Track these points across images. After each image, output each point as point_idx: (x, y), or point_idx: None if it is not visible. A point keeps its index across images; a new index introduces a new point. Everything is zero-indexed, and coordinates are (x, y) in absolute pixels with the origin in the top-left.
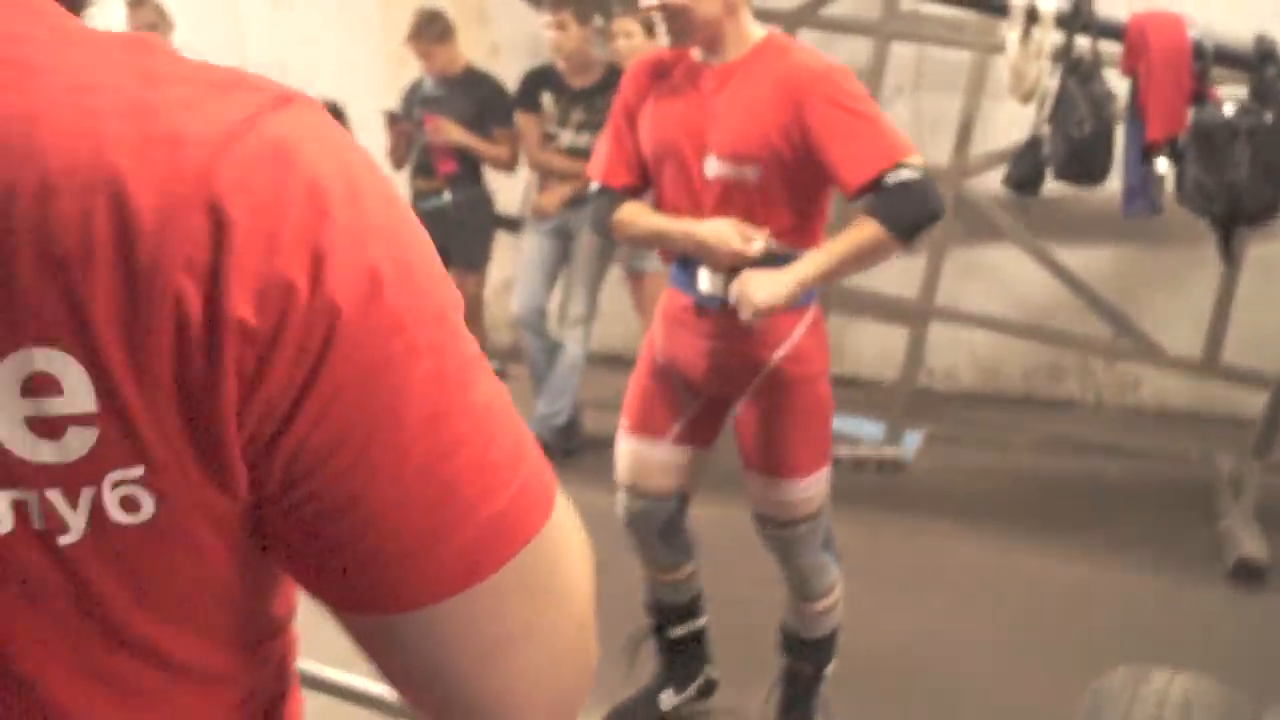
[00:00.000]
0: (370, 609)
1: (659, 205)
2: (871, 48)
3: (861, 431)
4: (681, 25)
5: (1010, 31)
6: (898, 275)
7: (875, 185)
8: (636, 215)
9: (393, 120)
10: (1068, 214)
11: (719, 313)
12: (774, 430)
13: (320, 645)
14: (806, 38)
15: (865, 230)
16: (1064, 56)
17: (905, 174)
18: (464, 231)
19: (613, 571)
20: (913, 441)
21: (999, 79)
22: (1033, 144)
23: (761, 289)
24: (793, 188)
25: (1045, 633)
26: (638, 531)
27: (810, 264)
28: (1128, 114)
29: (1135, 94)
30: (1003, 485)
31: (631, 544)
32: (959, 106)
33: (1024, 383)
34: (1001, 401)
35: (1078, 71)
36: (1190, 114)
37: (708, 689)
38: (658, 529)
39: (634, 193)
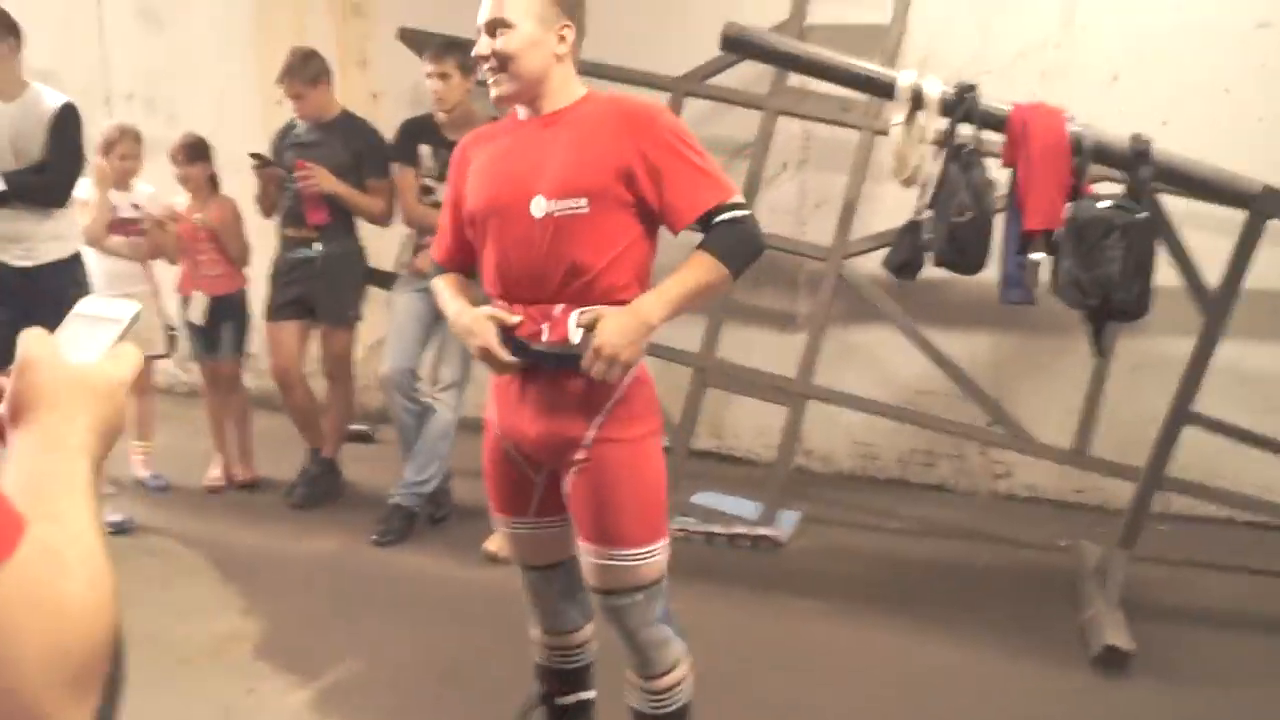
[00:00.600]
0: None
1: (486, 261)
2: (759, 121)
3: (738, 509)
4: (509, 75)
5: (895, 114)
6: (777, 354)
7: (705, 221)
8: (440, 289)
9: (262, 164)
10: (946, 299)
11: (542, 379)
12: (602, 501)
13: None
14: (695, 107)
15: (703, 265)
16: (947, 143)
17: (734, 212)
18: (333, 285)
19: (492, 639)
20: (789, 521)
21: (884, 161)
22: (912, 228)
23: (625, 346)
24: (620, 222)
25: (906, 714)
26: (539, 597)
27: (658, 302)
28: (1007, 203)
29: (1015, 185)
30: (874, 567)
31: (531, 608)
32: (843, 186)
33: (899, 466)
34: (876, 484)
35: (960, 159)
36: (1067, 208)
37: None
38: (558, 593)
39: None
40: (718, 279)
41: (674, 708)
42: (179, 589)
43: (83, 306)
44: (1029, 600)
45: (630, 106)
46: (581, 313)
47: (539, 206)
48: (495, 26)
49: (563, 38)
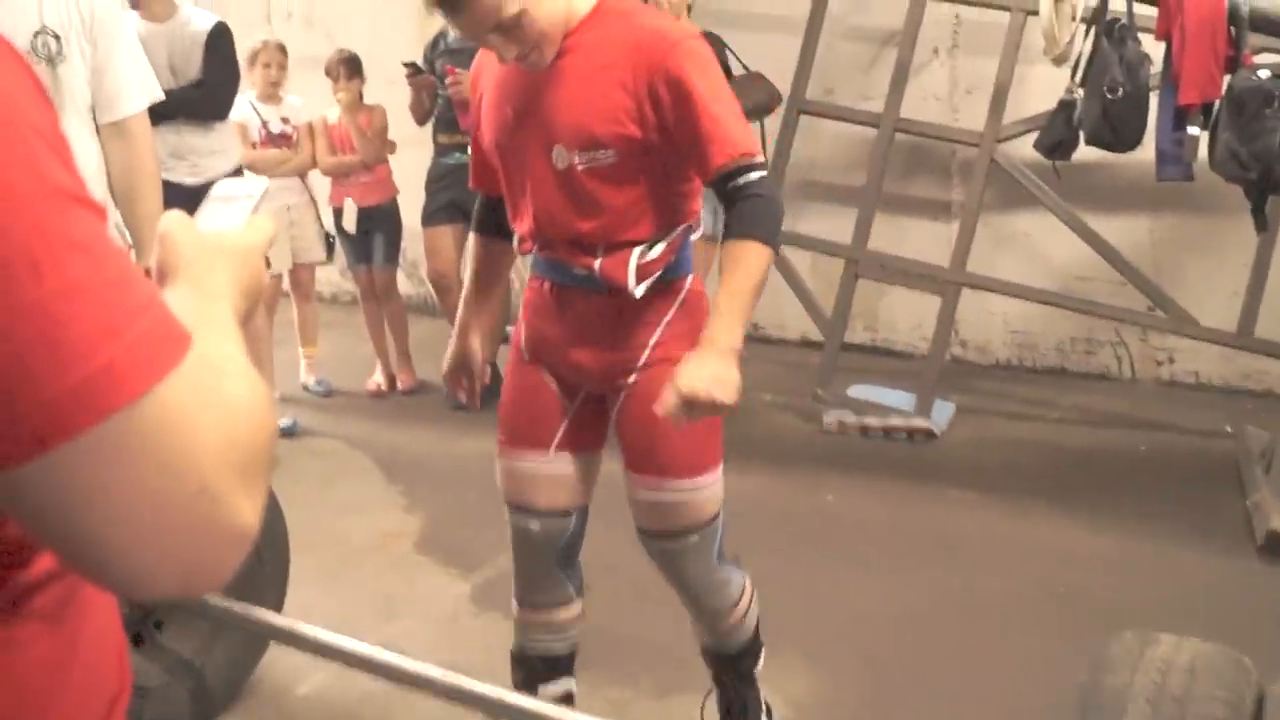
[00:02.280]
0: None
1: (509, 199)
2: (907, 7)
3: (893, 401)
4: (527, 42)
5: None
6: (930, 244)
7: (729, 180)
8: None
9: (415, 73)
10: (1101, 181)
11: (587, 296)
12: (658, 424)
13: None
14: None
15: (750, 254)
16: (1099, 19)
17: (748, 175)
18: None
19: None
20: (944, 412)
21: (1036, 43)
22: (1064, 107)
23: (718, 382)
24: (654, 164)
25: (1065, 602)
26: (531, 556)
27: (729, 324)
28: (1162, 79)
29: (1169, 58)
30: (1032, 457)
31: (518, 574)
32: (994, 69)
33: (1057, 355)
34: (1033, 373)
35: (1111, 34)
36: (1225, 80)
37: None
38: (558, 553)
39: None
40: (765, 264)
41: (744, 639)
42: (343, 488)
43: (217, 189)
44: (1193, 488)
45: (641, 36)
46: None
47: (560, 157)
48: (499, 28)
49: None
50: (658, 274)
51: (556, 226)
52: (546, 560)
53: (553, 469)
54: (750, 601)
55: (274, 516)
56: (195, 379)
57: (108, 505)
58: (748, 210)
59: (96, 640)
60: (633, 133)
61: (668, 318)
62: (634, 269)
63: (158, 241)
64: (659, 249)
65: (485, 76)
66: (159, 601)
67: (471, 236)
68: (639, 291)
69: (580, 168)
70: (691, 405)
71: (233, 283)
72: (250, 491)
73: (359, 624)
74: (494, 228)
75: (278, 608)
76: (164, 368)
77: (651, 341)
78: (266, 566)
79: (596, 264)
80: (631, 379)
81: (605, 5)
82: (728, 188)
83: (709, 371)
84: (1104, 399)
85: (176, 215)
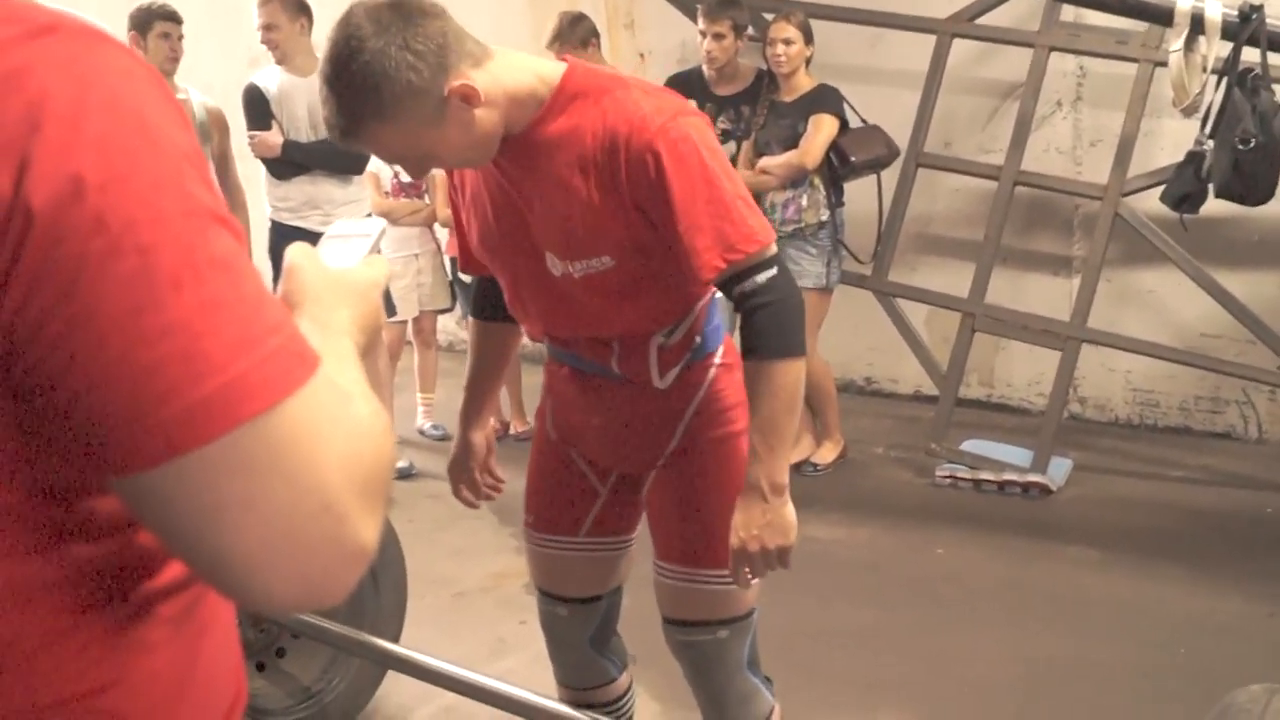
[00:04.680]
0: (102, 470)
1: (507, 294)
2: (1030, 59)
3: (1008, 457)
4: (447, 164)
5: (1174, 41)
6: (1050, 299)
7: (728, 287)
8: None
9: None
10: (1230, 235)
11: (609, 381)
12: (689, 507)
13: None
14: (963, 49)
15: (774, 378)
16: (1230, 69)
17: (763, 274)
18: None
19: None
20: (1061, 469)
21: (1163, 95)
22: (1193, 159)
23: (770, 529)
24: (656, 261)
25: (1187, 665)
26: (562, 641)
27: (769, 465)
28: None
29: None
30: (1151, 516)
31: (552, 657)
32: (1119, 122)
33: (1180, 414)
34: (1155, 431)
35: (1244, 84)
36: None
37: None
38: (589, 638)
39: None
40: (793, 379)
41: None
42: (457, 531)
43: (335, 229)
44: None
45: (616, 128)
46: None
47: (555, 265)
48: (401, 161)
49: (464, 95)
50: (683, 361)
51: (564, 327)
52: (578, 645)
53: (584, 555)
54: None
55: (394, 551)
56: (323, 398)
57: (234, 515)
58: (759, 325)
59: (217, 649)
60: (624, 239)
61: (699, 396)
62: (655, 361)
63: (285, 274)
64: (679, 333)
65: (466, 176)
66: (280, 616)
67: (470, 321)
68: (664, 384)
69: (578, 275)
70: (749, 559)
71: (354, 318)
72: (371, 511)
73: (471, 660)
74: (494, 312)
75: (395, 641)
76: (294, 384)
77: (682, 425)
78: (385, 599)
79: (614, 360)
80: (664, 454)
81: (573, 85)
82: (732, 294)
83: (758, 520)
84: (1229, 459)
85: (303, 248)
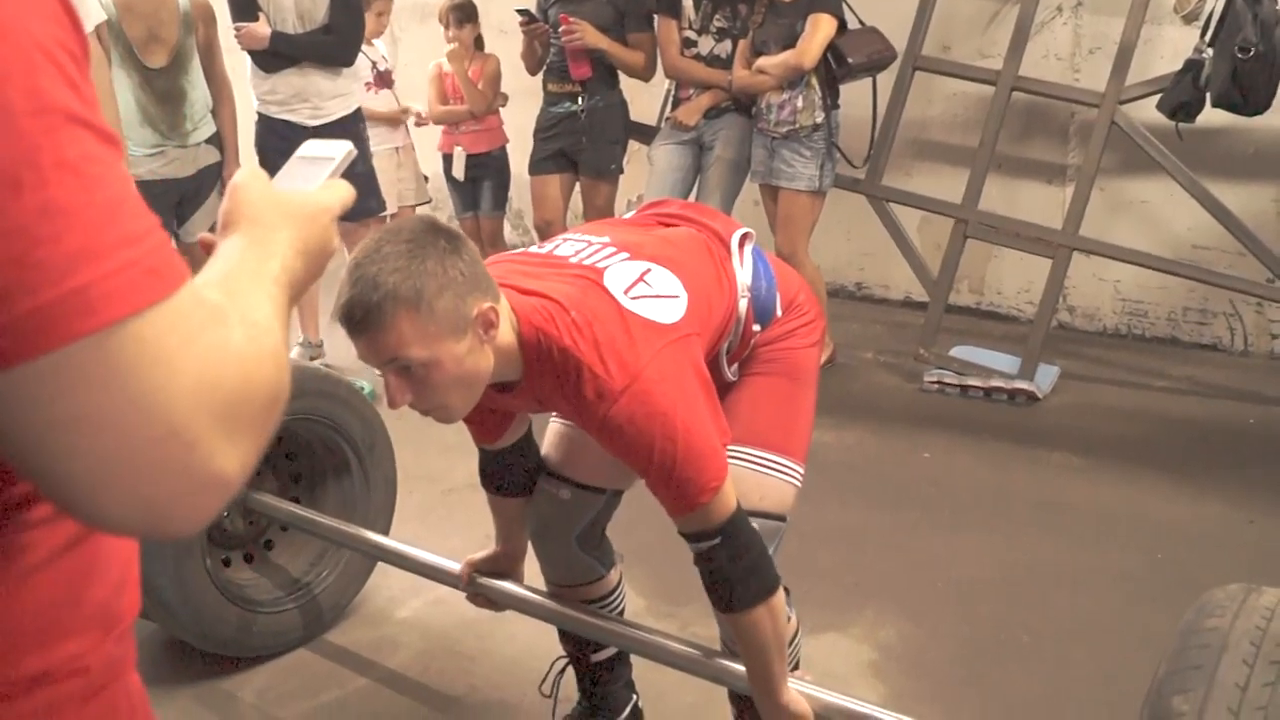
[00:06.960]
0: None
1: None
2: None
3: (996, 363)
4: (428, 397)
5: None
6: (1043, 207)
7: (691, 541)
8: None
9: (528, 21)
10: (1226, 147)
11: None
12: (739, 390)
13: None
14: None
15: (752, 628)
16: None
17: (715, 527)
18: (596, 138)
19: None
20: (1048, 376)
21: (1163, 1)
22: (1191, 67)
23: None
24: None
25: (1165, 569)
26: (551, 535)
27: (772, 701)
28: None
29: None
30: (1136, 425)
31: (538, 553)
32: (1119, 28)
33: (1168, 324)
34: (1143, 342)
35: None
36: None
37: (636, 718)
38: (577, 534)
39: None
40: (773, 618)
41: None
42: (446, 427)
43: (303, 149)
44: None
45: (575, 399)
46: None
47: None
48: (398, 365)
49: (486, 320)
50: (749, 349)
51: None
52: (566, 540)
53: None
54: (796, 638)
55: (383, 447)
56: (182, 318)
57: (69, 433)
58: (726, 579)
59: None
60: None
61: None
62: (725, 365)
63: (227, 192)
64: (737, 339)
65: None
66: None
67: (486, 495)
68: (733, 376)
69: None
70: None
71: (293, 241)
72: (232, 440)
73: (460, 555)
74: (503, 485)
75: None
76: (144, 300)
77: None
78: (375, 494)
79: None
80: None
81: (529, 339)
82: (693, 547)
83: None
84: (1214, 371)
85: (251, 169)
